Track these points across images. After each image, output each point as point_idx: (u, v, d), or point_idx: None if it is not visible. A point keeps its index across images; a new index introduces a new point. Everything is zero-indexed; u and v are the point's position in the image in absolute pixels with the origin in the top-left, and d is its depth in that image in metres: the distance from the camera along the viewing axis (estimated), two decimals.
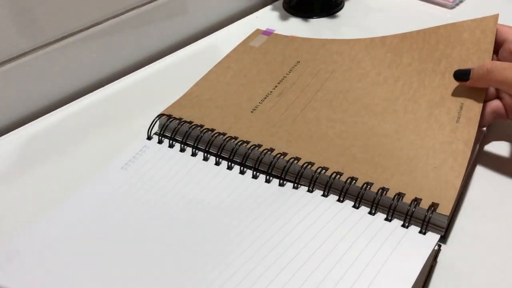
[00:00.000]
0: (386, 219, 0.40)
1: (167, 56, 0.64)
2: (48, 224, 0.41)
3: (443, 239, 0.40)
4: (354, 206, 0.41)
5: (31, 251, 0.39)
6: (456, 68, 0.49)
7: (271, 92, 0.53)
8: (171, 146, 0.48)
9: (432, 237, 0.39)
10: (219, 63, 0.58)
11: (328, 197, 0.42)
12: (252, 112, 0.50)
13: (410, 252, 0.37)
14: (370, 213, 0.41)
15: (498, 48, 0.50)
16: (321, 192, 0.43)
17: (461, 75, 0.47)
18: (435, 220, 0.40)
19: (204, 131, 0.48)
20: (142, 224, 0.41)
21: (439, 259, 0.39)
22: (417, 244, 0.38)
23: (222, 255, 0.39)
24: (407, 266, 0.36)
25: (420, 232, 0.39)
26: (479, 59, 0.50)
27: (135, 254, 0.39)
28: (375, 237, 0.39)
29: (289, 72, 0.56)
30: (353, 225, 0.39)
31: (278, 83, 0.54)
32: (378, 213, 0.41)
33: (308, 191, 0.43)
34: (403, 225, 0.40)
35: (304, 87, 0.53)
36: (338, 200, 0.42)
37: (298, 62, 0.57)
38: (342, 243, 0.38)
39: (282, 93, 0.52)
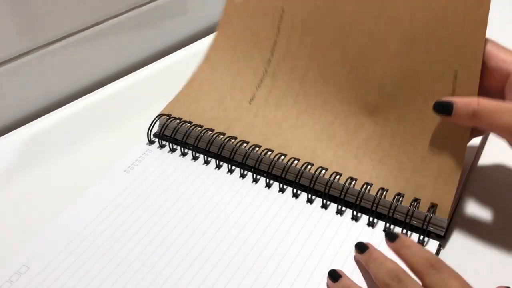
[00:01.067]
0: (385, 230, 0.40)
1: (167, 56, 0.64)
2: (54, 232, 0.41)
3: (443, 239, 0.40)
4: (353, 218, 0.41)
5: (39, 262, 0.39)
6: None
7: (263, 75, 0.50)
8: (172, 150, 0.48)
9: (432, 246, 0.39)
10: (208, 51, 0.54)
11: (328, 209, 0.42)
12: (249, 103, 0.50)
13: None
14: (369, 224, 0.41)
15: (502, 82, 0.39)
16: (321, 203, 0.43)
17: (443, 109, 0.39)
18: (435, 221, 0.40)
19: (204, 131, 0.48)
20: (146, 228, 0.41)
21: None
22: None
23: (224, 258, 0.39)
24: None
25: (419, 242, 0.39)
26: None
27: (139, 258, 0.39)
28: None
29: (277, 33, 0.50)
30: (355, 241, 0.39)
31: (269, 58, 0.50)
32: (378, 222, 0.41)
33: (308, 201, 0.43)
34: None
35: (295, 62, 0.49)
36: (338, 212, 0.42)
37: (283, 11, 0.50)
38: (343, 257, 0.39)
39: (275, 73, 0.49)
